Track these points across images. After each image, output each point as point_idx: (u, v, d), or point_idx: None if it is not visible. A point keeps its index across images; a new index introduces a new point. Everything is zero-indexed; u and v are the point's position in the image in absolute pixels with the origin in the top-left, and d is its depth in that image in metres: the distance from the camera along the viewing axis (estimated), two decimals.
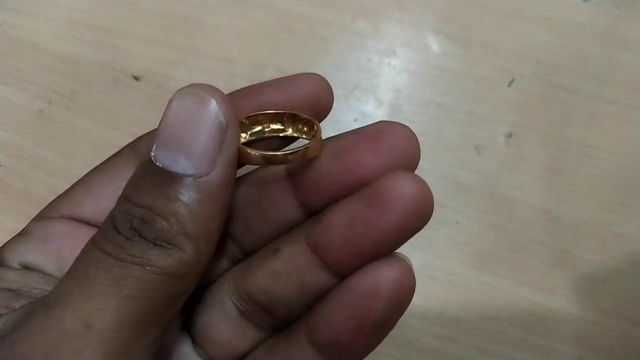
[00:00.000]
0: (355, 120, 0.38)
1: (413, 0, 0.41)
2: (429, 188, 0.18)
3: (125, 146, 0.22)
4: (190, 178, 0.18)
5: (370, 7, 0.40)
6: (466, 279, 0.35)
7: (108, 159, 0.22)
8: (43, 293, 0.19)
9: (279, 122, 0.21)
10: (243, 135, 0.20)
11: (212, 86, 0.18)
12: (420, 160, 0.36)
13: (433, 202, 0.18)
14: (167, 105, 0.18)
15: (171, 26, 0.41)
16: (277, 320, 0.22)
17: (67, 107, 0.38)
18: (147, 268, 0.17)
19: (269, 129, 0.21)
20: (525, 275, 0.35)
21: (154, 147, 0.18)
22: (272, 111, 0.20)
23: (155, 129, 0.18)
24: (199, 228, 0.18)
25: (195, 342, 0.23)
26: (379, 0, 0.41)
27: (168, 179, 0.17)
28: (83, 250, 0.17)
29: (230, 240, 0.23)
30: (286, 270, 0.21)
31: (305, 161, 0.20)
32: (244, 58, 0.39)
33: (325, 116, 0.21)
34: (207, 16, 0.41)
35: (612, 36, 0.40)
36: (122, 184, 0.19)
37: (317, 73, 0.21)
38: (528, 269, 0.35)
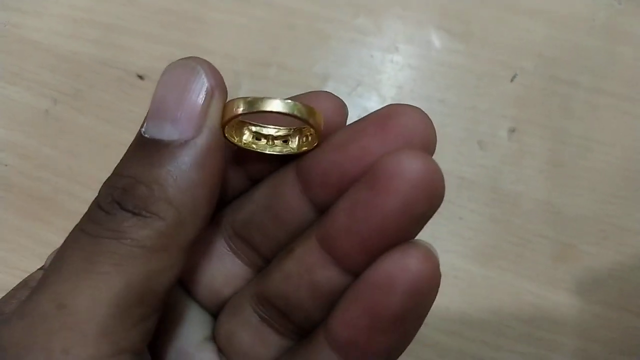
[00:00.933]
0: (359, 116, 0.38)
1: None
2: (438, 166, 0.16)
3: None
4: (175, 143, 0.17)
5: (372, 3, 0.41)
6: (470, 273, 0.35)
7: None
8: None
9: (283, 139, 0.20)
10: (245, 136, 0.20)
11: (201, 58, 0.18)
12: None
13: (443, 182, 0.16)
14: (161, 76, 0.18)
15: (173, 23, 0.41)
16: (297, 326, 0.20)
17: (72, 106, 0.38)
18: (123, 242, 0.16)
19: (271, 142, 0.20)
20: (529, 268, 0.35)
21: (145, 122, 0.17)
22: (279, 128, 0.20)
23: None
24: (182, 195, 0.17)
25: (220, 351, 0.22)
26: None
27: (154, 147, 0.17)
28: (66, 242, 0.17)
29: (250, 249, 0.22)
30: (297, 271, 0.19)
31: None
32: (246, 55, 0.40)
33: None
34: (208, 13, 0.41)
35: (612, 30, 0.40)
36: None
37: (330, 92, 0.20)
38: (531, 263, 0.35)
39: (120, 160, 0.18)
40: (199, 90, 0.18)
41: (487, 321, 0.34)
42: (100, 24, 0.41)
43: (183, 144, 0.17)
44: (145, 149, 0.17)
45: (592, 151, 0.38)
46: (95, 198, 0.17)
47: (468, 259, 0.35)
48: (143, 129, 0.17)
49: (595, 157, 0.38)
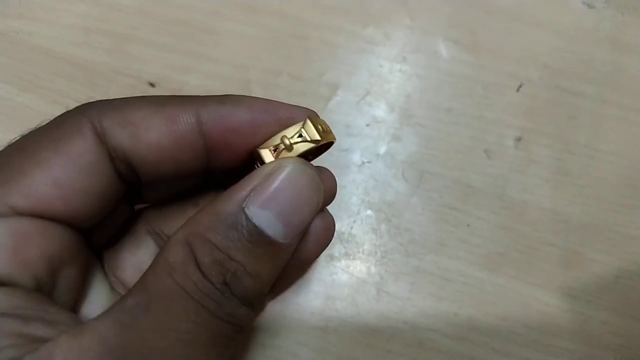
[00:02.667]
0: (368, 125, 0.38)
1: (422, 7, 0.42)
2: None
3: (76, 113, 0.21)
4: (279, 245, 0.19)
5: (380, 13, 0.41)
6: (478, 280, 0.35)
7: (56, 124, 0.21)
8: (56, 318, 0.18)
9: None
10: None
11: (312, 166, 0.20)
12: (431, 164, 0.37)
13: None
14: (278, 167, 0.19)
15: (184, 33, 0.41)
16: None
17: None
18: (236, 328, 0.18)
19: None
20: (536, 276, 0.36)
21: (251, 200, 0.18)
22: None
23: (250, 175, 0.19)
24: (266, 291, 0.19)
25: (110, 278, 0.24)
26: (388, 7, 0.41)
27: (260, 239, 0.18)
28: (163, 294, 0.17)
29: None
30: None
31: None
32: (257, 64, 0.40)
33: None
34: (219, 24, 0.42)
35: (617, 41, 0.40)
36: (88, 175, 0.20)
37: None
38: (539, 270, 0.36)
39: (218, 227, 0.18)
40: (315, 209, 0.20)
41: (495, 327, 0.35)
42: (113, 33, 0.41)
43: (283, 246, 0.19)
44: (251, 235, 0.18)
45: (598, 160, 0.38)
46: (192, 263, 0.18)
47: (476, 266, 0.36)
48: (249, 209, 0.18)
49: (601, 166, 0.38)
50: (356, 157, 0.38)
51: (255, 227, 0.18)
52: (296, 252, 0.21)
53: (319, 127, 0.22)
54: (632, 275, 0.36)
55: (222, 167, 0.23)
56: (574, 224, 0.37)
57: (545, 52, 0.40)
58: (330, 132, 0.23)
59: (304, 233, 0.20)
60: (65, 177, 0.19)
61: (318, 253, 0.24)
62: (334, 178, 0.24)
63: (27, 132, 0.21)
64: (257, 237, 0.18)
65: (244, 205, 0.18)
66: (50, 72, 0.40)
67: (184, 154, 0.21)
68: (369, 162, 0.37)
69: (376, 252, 0.36)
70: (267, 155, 0.21)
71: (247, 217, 0.18)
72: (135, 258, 0.25)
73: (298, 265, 0.23)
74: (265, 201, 0.18)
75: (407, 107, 0.39)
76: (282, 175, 0.19)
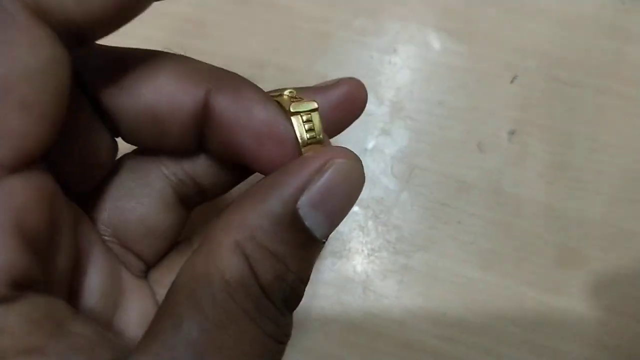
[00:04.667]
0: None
1: None
2: None
3: None
4: (320, 245, 0.18)
5: (372, 3, 0.40)
6: (470, 278, 0.34)
7: None
8: (79, 341, 0.15)
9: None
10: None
11: (358, 156, 0.18)
12: (422, 159, 0.36)
13: None
14: (329, 160, 0.17)
15: (172, 26, 0.40)
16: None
17: None
18: (285, 344, 0.17)
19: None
20: (531, 273, 0.34)
21: (306, 200, 0.17)
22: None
23: (299, 168, 0.17)
24: None
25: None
26: None
27: (309, 242, 0.17)
28: (226, 321, 0.15)
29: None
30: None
31: None
32: (246, 55, 0.39)
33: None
34: (208, 15, 0.41)
35: (617, 29, 0.39)
36: (51, 75, 0.15)
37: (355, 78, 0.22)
38: (533, 267, 0.35)
39: (271, 229, 0.16)
40: (354, 203, 0.18)
41: (487, 327, 0.34)
42: None
43: (322, 245, 0.18)
44: (303, 238, 0.17)
45: (596, 153, 0.37)
46: (251, 276, 0.16)
47: (468, 264, 0.35)
48: (302, 210, 0.17)
49: (599, 159, 0.37)
50: None
51: (307, 229, 0.17)
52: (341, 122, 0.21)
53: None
54: (632, 273, 0.34)
55: (215, 152, 0.21)
56: (571, 220, 0.35)
57: (542, 41, 0.39)
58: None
59: None
60: (30, 91, 0.14)
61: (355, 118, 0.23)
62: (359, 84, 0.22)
63: None
64: (308, 240, 0.17)
65: (297, 205, 0.16)
66: None
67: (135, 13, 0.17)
68: None
69: (363, 250, 0.35)
70: (299, 128, 0.19)
71: (300, 219, 0.16)
72: (141, 208, 0.21)
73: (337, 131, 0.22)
74: (318, 201, 0.17)
75: (397, 100, 0.38)
76: (335, 171, 0.17)
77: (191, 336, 0.15)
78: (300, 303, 0.33)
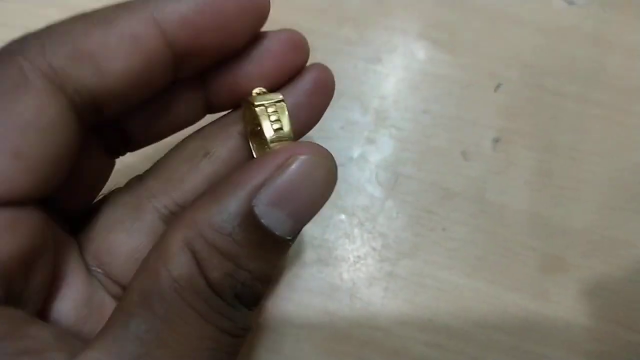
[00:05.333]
0: (342, 127, 0.38)
1: (399, 6, 0.41)
2: None
3: (9, 53, 0.17)
4: (285, 243, 0.17)
5: (356, 13, 0.40)
6: (455, 285, 0.35)
7: None
8: (40, 344, 0.15)
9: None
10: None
11: (329, 152, 0.18)
12: (407, 167, 0.36)
13: None
14: (291, 156, 0.17)
15: None
16: None
17: None
18: (245, 337, 0.17)
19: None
20: (516, 280, 0.35)
21: (263, 198, 0.16)
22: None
23: (257, 165, 0.17)
24: None
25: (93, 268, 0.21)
26: (364, 6, 0.41)
27: (269, 241, 0.16)
28: (173, 318, 0.15)
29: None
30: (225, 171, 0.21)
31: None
32: None
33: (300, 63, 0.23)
34: None
35: (599, 39, 0.39)
36: (51, 134, 0.16)
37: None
38: (518, 275, 0.35)
39: (222, 227, 0.16)
40: (327, 199, 0.17)
41: (472, 334, 0.34)
42: None
43: (289, 243, 0.17)
44: (261, 237, 0.16)
45: (579, 161, 0.37)
46: (198, 274, 0.16)
47: (452, 271, 0.35)
48: (258, 208, 0.16)
49: (583, 167, 0.37)
50: None
51: (265, 228, 0.16)
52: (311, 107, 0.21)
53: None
54: (616, 280, 0.35)
55: (194, 71, 0.20)
56: (555, 227, 0.36)
57: (526, 50, 0.40)
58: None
59: None
60: (24, 145, 0.16)
61: (327, 101, 0.23)
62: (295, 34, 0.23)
63: None
64: (265, 238, 0.16)
65: (253, 203, 0.16)
66: None
67: (153, 72, 0.18)
68: (342, 165, 0.37)
69: (349, 258, 0.35)
70: (265, 121, 0.19)
71: (257, 217, 0.16)
72: (132, 241, 0.22)
73: (314, 120, 0.23)
74: (277, 199, 0.16)
75: (382, 108, 0.38)
76: (298, 168, 0.16)
77: (139, 332, 0.15)
78: (287, 311, 0.33)
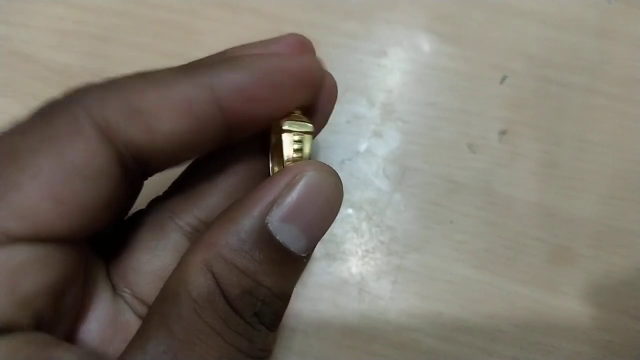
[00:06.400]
0: (348, 121, 0.38)
1: None
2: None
3: (69, 102, 0.18)
4: (302, 259, 0.17)
5: (360, 7, 0.40)
6: (463, 278, 0.35)
7: (47, 121, 0.17)
8: None
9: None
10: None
11: (333, 169, 0.18)
12: (413, 160, 0.36)
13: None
14: (299, 173, 0.17)
15: (163, 34, 0.41)
16: None
17: None
18: (266, 354, 0.17)
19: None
20: (523, 272, 0.35)
21: (275, 215, 0.17)
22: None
23: (268, 185, 0.17)
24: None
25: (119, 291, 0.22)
26: (368, 0, 0.41)
27: (286, 257, 0.17)
28: (192, 338, 0.16)
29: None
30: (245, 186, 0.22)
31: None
32: None
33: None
34: (198, 23, 0.41)
35: (603, 29, 0.39)
36: (94, 184, 0.17)
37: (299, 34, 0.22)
38: (526, 266, 0.35)
39: (241, 247, 0.16)
40: (337, 214, 0.18)
41: (481, 326, 0.34)
42: (90, 35, 0.41)
43: (304, 259, 0.18)
44: (277, 253, 0.17)
45: (586, 152, 0.37)
46: (218, 293, 0.16)
47: (461, 263, 0.35)
48: (272, 226, 0.16)
49: (589, 157, 0.37)
50: (336, 155, 0.37)
51: (280, 244, 0.16)
52: (317, 113, 0.21)
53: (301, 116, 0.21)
54: (622, 269, 0.35)
55: (242, 136, 0.21)
56: (562, 218, 0.36)
57: (530, 42, 0.39)
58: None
59: None
60: (68, 190, 0.16)
61: (332, 106, 0.23)
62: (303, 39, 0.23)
63: (8, 129, 0.18)
64: (282, 255, 0.17)
65: (266, 221, 0.16)
66: (26, 76, 0.39)
67: (202, 136, 0.19)
68: (350, 159, 0.37)
69: (357, 252, 0.35)
70: (287, 144, 0.19)
71: (271, 234, 0.16)
72: (157, 260, 0.22)
73: (320, 124, 0.23)
74: (289, 215, 0.17)
75: (388, 102, 0.38)
76: (305, 184, 0.17)
77: (157, 353, 0.15)
78: (296, 306, 0.33)
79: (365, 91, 0.38)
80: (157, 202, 0.24)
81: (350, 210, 0.36)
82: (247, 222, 0.16)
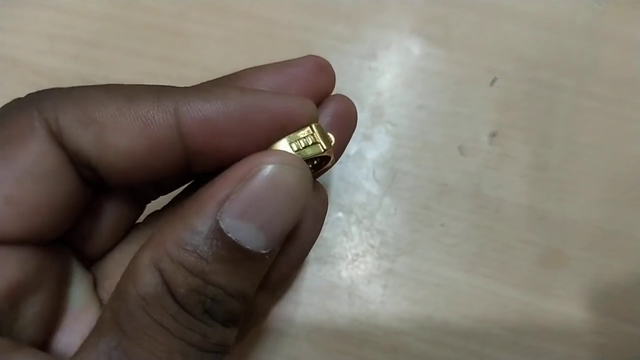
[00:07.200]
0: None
1: (393, 2, 0.40)
2: None
3: (25, 104, 0.18)
4: (261, 257, 0.16)
5: (350, 10, 0.40)
6: (453, 281, 0.35)
7: (1, 122, 0.17)
8: None
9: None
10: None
11: (301, 159, 0.17)
12: (404, 163, 0.36)
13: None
14: (257, 166, 0.16)
15: (152, 37, 0.41)
16: None
17: None
18: (224, 349, 0.16)
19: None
20: (514, 275, 0.35)
21: (227, 211, 0.16)
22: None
23: (222, 179, 0.16)
24: (249, 302, 0.17)
25: None
26: (358, 3, 0.41)
27: (242, 256, 0.16)
28: (140, 334, 0.15)
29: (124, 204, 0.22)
30: None
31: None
32: (225, 66, 0.39)
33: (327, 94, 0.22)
34: (187, 26, 0.41)
35: (593, 31, 0.39)
36: (47, 186, 0.17)
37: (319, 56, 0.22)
38: (516, 269, 0.35)
39: (186, 243, 0.16)
40: (301, 210, 0.17)
41: (472, 330, 0.34)
42: (79, 39, 0.41)
43: (265, 257, 0.16)
44: (230, 251, 0.16)
45: (576, 154, 0.37)
46: (165, 291, 0.16)
47: (451, 267, 0.35)
48: (224, 222, 0.16)
49: (580, 160, 0.37)
50: None
51: (234, 242, 0.16)
52: (295, 238, 0.19)
53: (327, 136, 0.19)
54: (614, 272, 0.35)
55: (206, 170, 0.20)
56: (553, 221, 0.36)
57: (520, 44, 0.39)
58: (331, 146, 0.20)
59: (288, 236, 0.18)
60: (19, 191, 0.17)
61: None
62: (322, 60, 0.23)
63: None
64: (236, 253, 0.16)
65: (218, 218, 0.15)
66: (15, 81, 0.39)
67: (159, 161, 0.18)
68: (339, 163, 0.36)
69: (347, 256, 0.35)
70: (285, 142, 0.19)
71: (223, 232, 0.15)
72: None
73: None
74: (245, 211, 0.16)
75: (378, 105, 0.38)
76: (264, 177, 0.16)
77: (108, 348, 0.15)
78: (286, 310, 0.33)
79: (354, 94, 0.38)
80: (152, 218, 0.23)
81: (340, 214, 0.35)
82: (197, 220, 0.16)
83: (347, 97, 0.22)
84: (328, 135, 0.20)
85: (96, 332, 0.16)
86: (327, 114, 0.21)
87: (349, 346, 0.33)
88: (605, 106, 0.38)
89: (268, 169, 0.16)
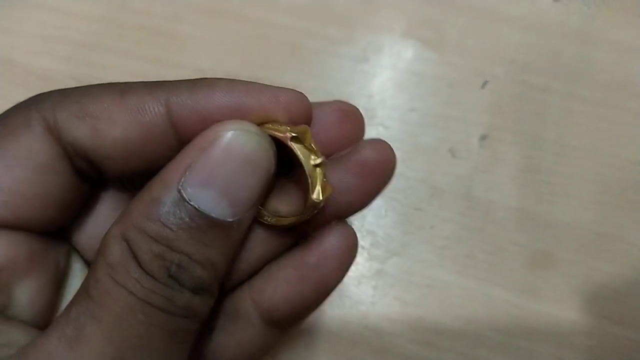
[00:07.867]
0: None
1: (385, 5, 0.41)
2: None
3: (25, 105, 0.19)
4: (228, 225, 0.17)
5: (343, 13, 0.41)
6: (444, 282, 0.35)
7: (1, 120, 0.19)
8: (8, 339, 0.17)
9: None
10: None
11: (258, 127, 0.17)
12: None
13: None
14: (215, 135, 0.17)
15: (145, 39, 0.41)
16: None
17: None
18: (193, 319, 0.17)
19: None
20: (504, 277, 0.35)
21: (188, 180, 0.16)
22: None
23: (186, 150, 0.17)
24: (225, 273, 0.18)
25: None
26: (351, 6, 0.41)
27: (204, 223, 0.16)
28: (107, 298, 0.16)
29: None
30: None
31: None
32: (218, 68, 0.40)
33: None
34: (180, 28, 0.41)
35: (584, 35, 0.40)
36: (40, 177, 0.18)
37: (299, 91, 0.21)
38: (507, 271, 0.35)
39: (152, 215, 0.16)
40: (265, 177, 0.17)
41: (462, 331, 0.34)
42: (73, 40, 0.41)
43: (233, 225, 0.17)
44: (193, 220, 0.16)
45: (566, 157, 0.37)
46: (131, 258, 0.16)
47: (442, 269, 0.35)
48: (186, 192, 0.16)
49: (569, 162, 0.37)
50: None
51: (197, 210, 0.16)
52: (315, 278, 0.20)
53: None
54: (604, 274, 0.35)
55: None
56: (543, 223, 0.36)
57: (511, 47, 0.40)
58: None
59: (256, 206, 0.18)
60: (12, 181, 0.18)
61: (341, 276, 0.21)
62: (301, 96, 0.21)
63: None
64: (201, 220, 0.16)
65: (179, 187, 0.16)
66: (8, 82, 0.39)
67: (153, 149, 0.19)
68: None
69: None
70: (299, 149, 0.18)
71: (185, 200, 0.16)
72: None
73: (321, 292, 0.21)
74: (205, 179, 0.16)
75: (369, 107, 0.38)
76: (221, 145, 0.16)
77: (77, 314, 0.16)
78: None
79: (346, 96, 0.38)
80: None
81: None
82: (161, 191, 0.16)
83: (385, 144, 0.21)
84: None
85: (70, 304, 0.17)
86: (355, 161, 0.20)
87: (339, 347, 0.33)
88: (595, 109, 0.38)
89: (226, 136, 0.17)
